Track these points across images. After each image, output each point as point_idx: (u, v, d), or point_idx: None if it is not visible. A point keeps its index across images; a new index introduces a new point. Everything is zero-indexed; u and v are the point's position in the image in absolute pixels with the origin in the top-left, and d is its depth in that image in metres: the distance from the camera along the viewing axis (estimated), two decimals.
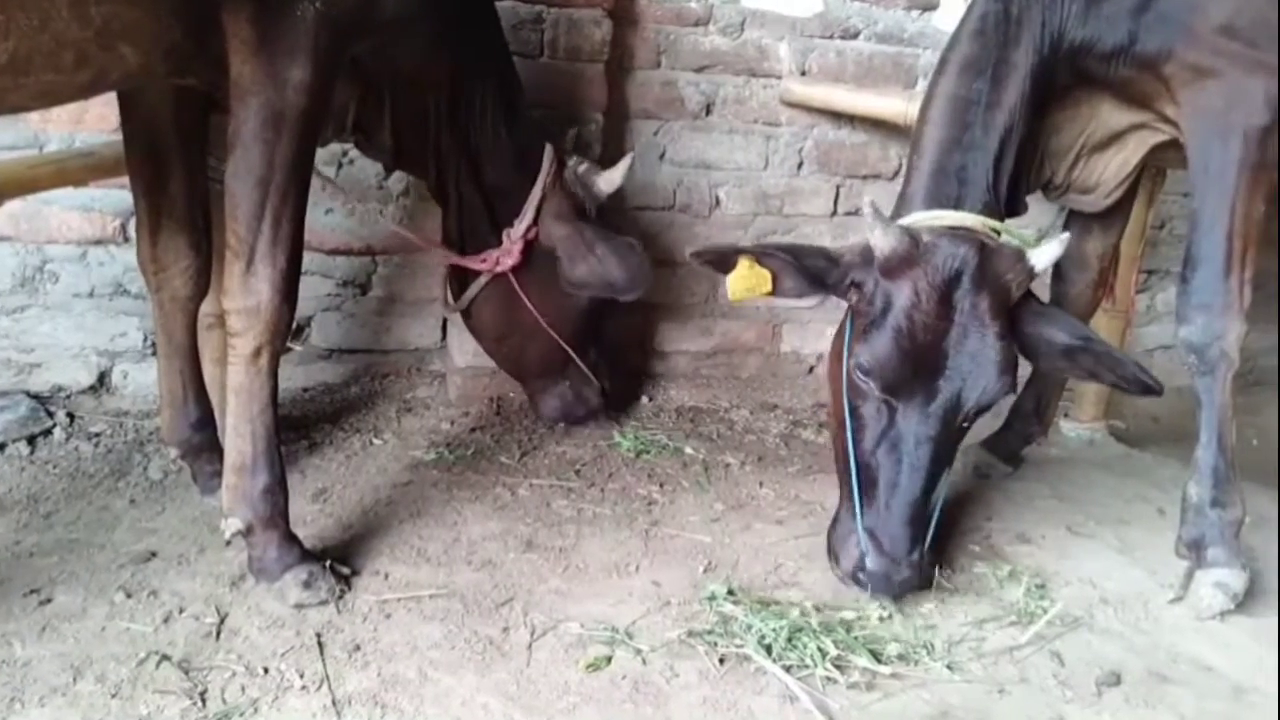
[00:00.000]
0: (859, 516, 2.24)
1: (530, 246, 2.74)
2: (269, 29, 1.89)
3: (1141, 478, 3.18)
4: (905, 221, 2.27)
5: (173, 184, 2.38)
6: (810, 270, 2.27)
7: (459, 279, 2.90)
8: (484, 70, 2.65)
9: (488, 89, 2.67)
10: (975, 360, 2.13)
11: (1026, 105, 2.35)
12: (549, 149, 2.76)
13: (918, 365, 2.13)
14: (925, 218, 2.26)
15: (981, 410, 2.21)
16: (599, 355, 3.05)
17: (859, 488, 2.25)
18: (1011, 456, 3.09)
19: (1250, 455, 3.85)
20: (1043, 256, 2.13)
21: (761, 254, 2.28)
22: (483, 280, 2.80)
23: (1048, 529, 2.73)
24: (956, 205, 2.28)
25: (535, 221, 2.73)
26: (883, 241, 2.15)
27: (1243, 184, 2.27)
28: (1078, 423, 3.55)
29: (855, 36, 3.60)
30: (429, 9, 2.23)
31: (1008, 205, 2.43)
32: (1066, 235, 2.18)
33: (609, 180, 2.85)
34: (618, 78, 3.38)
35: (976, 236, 2.18)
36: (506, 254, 2.72)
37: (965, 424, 2.24)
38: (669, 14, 3.41)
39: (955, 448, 2.31)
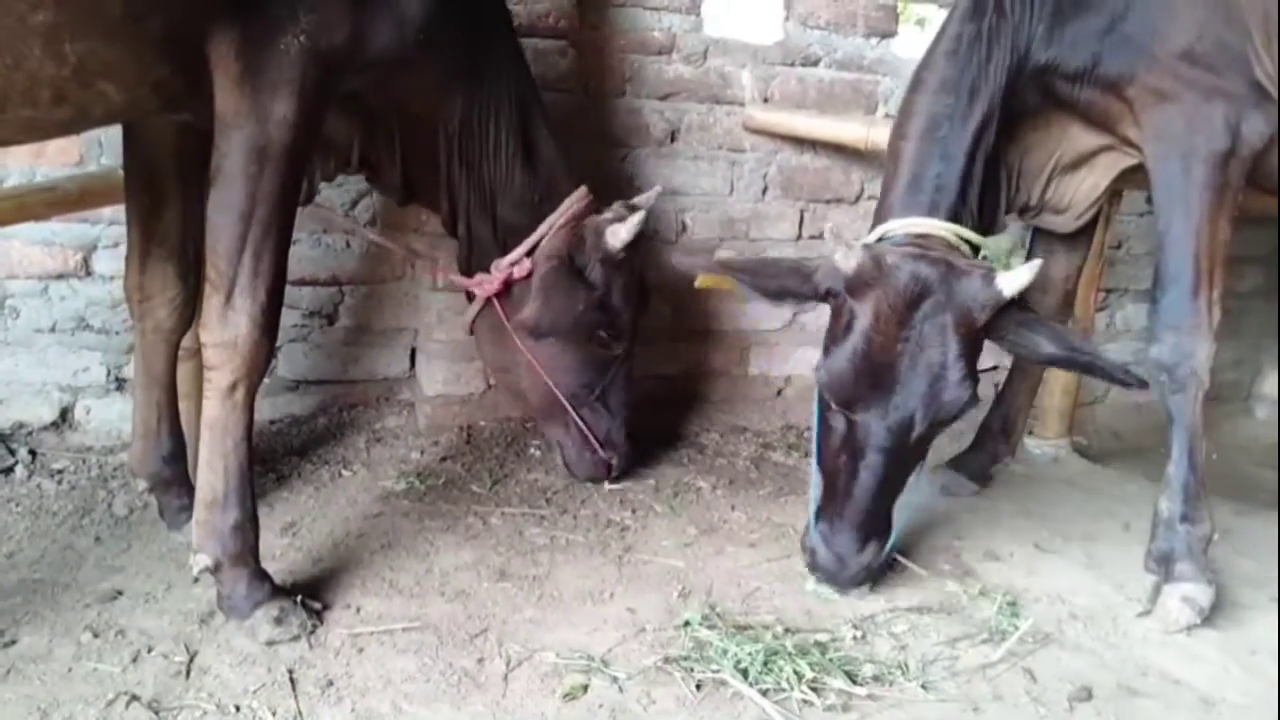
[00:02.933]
0: (813, 514, 2.40)
1: (520, 280, 2.71)
2: (253, 63, 1.90)
3: (1106, 493, 3.23)
4: (880, 229, 2.35)
5: (167, 213, 2.37)
6: (783, 288, 2.34)
7: (471, 297, 2.87)
8: (497, 105, 2.62)
9: (501, 124, 2.64)
10: (931, 380, 2.18)
11: (996, 121, 2.41)
12: (582, 189, 2.74)
13: (873, 383, 2.20)
14: (898, 225, 2.34)
15: (938, 425, 2.26)
16: (611, 425, 2.91)
17: (818, 487, 2.41)
18: (979, 476, 3.12)
19: (1211, 469, 3.94)
20: (1012, 282, 2.16)
21: (741, 271, 2.34)
22: (475, 306, 2.78)
23: (1016, 546, 2.75)
24: (929, 213, 2.34)
25: (531, 256, 2.70)
26: (846, 264, 2.21)
27: (1206, 206, 2.32)
28: (1042, 440, 3.60)
29: (816, 64, 3.65)
30: (427, 47, 2.21)
31: (986, 223, 2.50)
32: (1038, 262, 2.22)
33: (615, 234, 2.73)
34: (582, 106, 3.41)
35: (943, 255, 2.23)
36: (489, 281, 2.70)
37: (923, 438, 2.28)
38: (633, 43, 3.44)
39: (917, 456, 2.37)
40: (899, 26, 3.71)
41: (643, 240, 2.84)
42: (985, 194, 2.46)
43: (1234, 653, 2.30)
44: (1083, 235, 2.90)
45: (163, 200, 2.34)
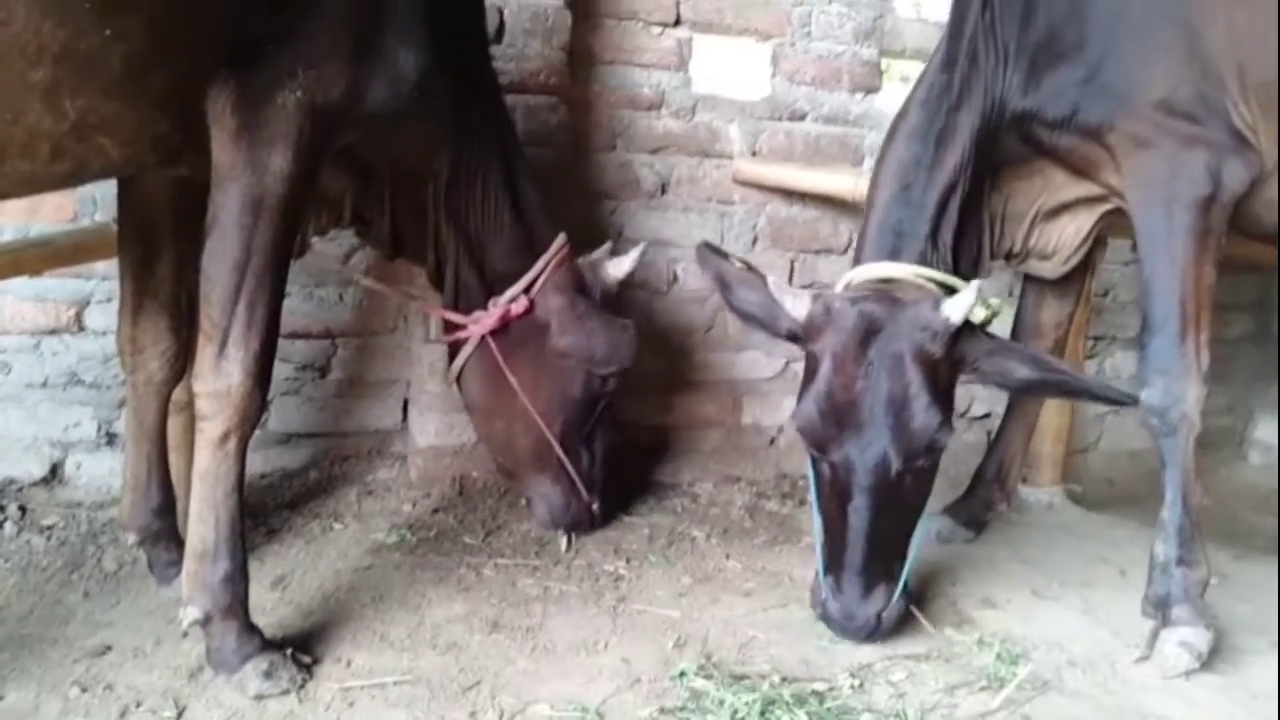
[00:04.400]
0: (820, 566, 2.40)
1: (516, 319, 2.73)
2: (250, 117, 1.93)
3: (1101, 539, 3.22)
4: (847, 275, 2.44)
5: (161, 267, 2.38)
6: (750, 316, 2.46)
7: (454, 350, 2.87)
8: (484, 161, 2.67)
9: (489, 179, 2.69)
10: (895, 413, 2.22)
11: (969, 167, 2.48)
12: (561, 236, 2.79)
13: (840, 423, 2.26)
14: (863, 270, 2.42)
15: (915, 458, 2.27)
16: (591, 467, 2.93)
17: (819, 535, 2.41)
18: (973, 522, 3.12)
19: (1206, 515, 3.94)
20: (956, 307, 2.22)
21: (721, 280, 2.51)
22: (468, 349, 2.78)
23: (1013, 593, 2.74)
24: (893, 257, 2.42)
25: (529, 297, 2.73)
26: (796, 312, 2.30)
27: (1190, 251, 2.35)
28: (1035, 487, 3.59)
29: (803, 118, 3.72)
30: (420, 103, 2.25)
31: (965, 267, 2.54)
32: (978, 283, 2.28)
33: (618, 266, 2.88)
34: (573, 160, 3.45)
35: (889, 293, 2.30)
36: (488, 317, 2.71)
37: (907, 473, 2.28)
38: (623, 99, 3.51)
39: (914, 496, 2.37)
40: (883, 82, 3.79)
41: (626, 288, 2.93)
42: (963, 239, 2.52)
43: (1235, 698, 2.28)
44: (1073, 281, 2.94)
45: (156, 254, 2.36)
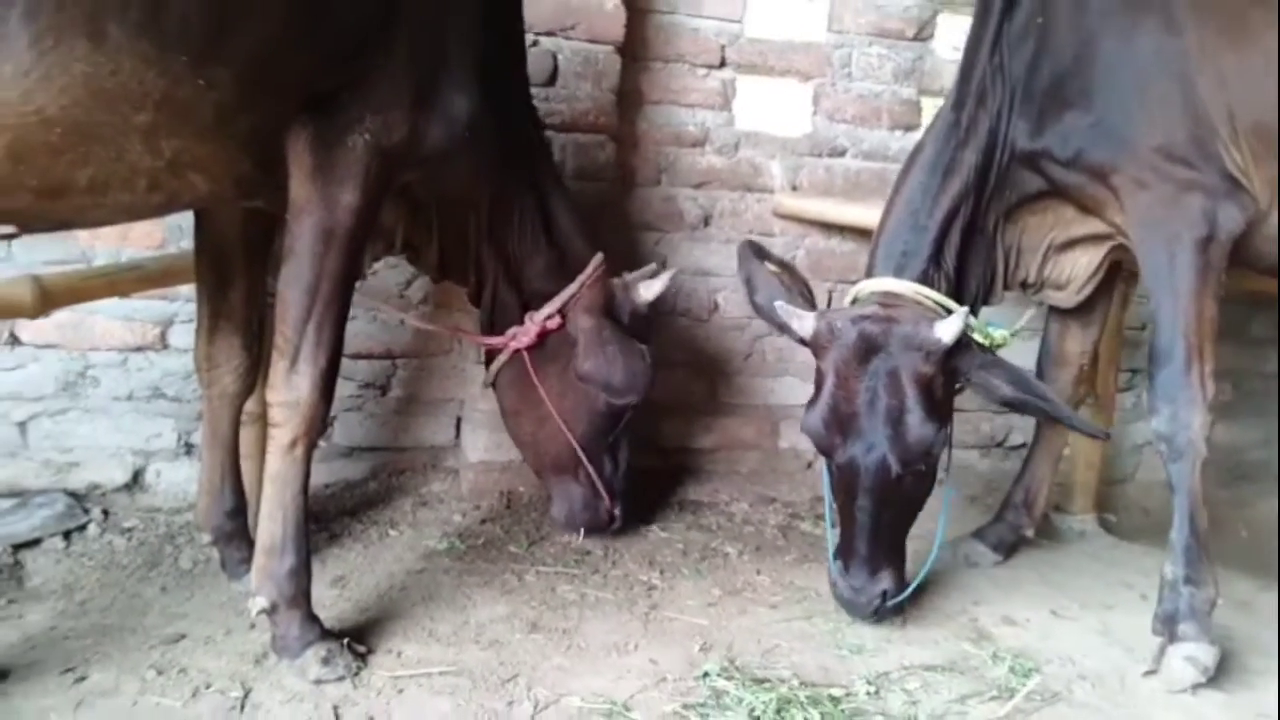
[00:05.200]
0: (831, 548, 2.71)
1: (550, 333, 2.90)
2: (324, 158, 2.15)
3: (1128, 566, 3.28)
4: (855, 289, 2.69)
5: (233, 292, 2.60)
6: (768, 317, 2.71)
7: (490, 357, 3.06)
8: (521, 193, 2.88)
9: (525, 208, 2.89)
10: (893, 424, 2.44)
11: (971, 197, 2.68)
12: (599, 256, 2.95)
13: (844, 432, 2.51)
14: (868, 285, 2.66)
15: (913, 464, 2.48)
16: (614, 474, 3.09)
17: (832, 524, 2.74)
18: (1000, 546, 3.21)
19: (1239, 545, 3.99)
20: (947, 328, 2.42)
21: (748, 273, 2.79)
22: (503, 357, 2.96)
23: (1032, 612, 2.84)
24: (897, 274, 2.63)
25: (562, 313, 2.90)
26: (801, 329, 2.54)
27: (1191, 287, 2.48)
28: (1068, 514, 3.68)
29: (843, 155, 3.87)
30: (468, 144, 2.45)
31: (972, 292, 2.75)
32: (965, 309, 2.48)
33: (649, 288, 3.02)
34: (620, 194, 3.65)
35: (887, 313, 2.50)
36: (524, 333, 2.88)
37: (906, 475, 2.49)
38: (668, 136, 3.70)
39: (917, 492, 2.61)
40: (921, 120, 3.93)
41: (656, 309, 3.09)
42: (968, 264, 2.72)
43: (1239, 715, 2.36)
44: (1096, 312, 3.06)
45: (229, 279, 2.58)
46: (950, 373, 2.51)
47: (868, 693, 2.34)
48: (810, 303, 2.81)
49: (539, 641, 2.49)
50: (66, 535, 2.98)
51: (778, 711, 2.17)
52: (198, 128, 1.93)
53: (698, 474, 3.81)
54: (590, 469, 3.00)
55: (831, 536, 2.75)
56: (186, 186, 2.02)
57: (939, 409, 2.48)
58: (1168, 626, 2.51)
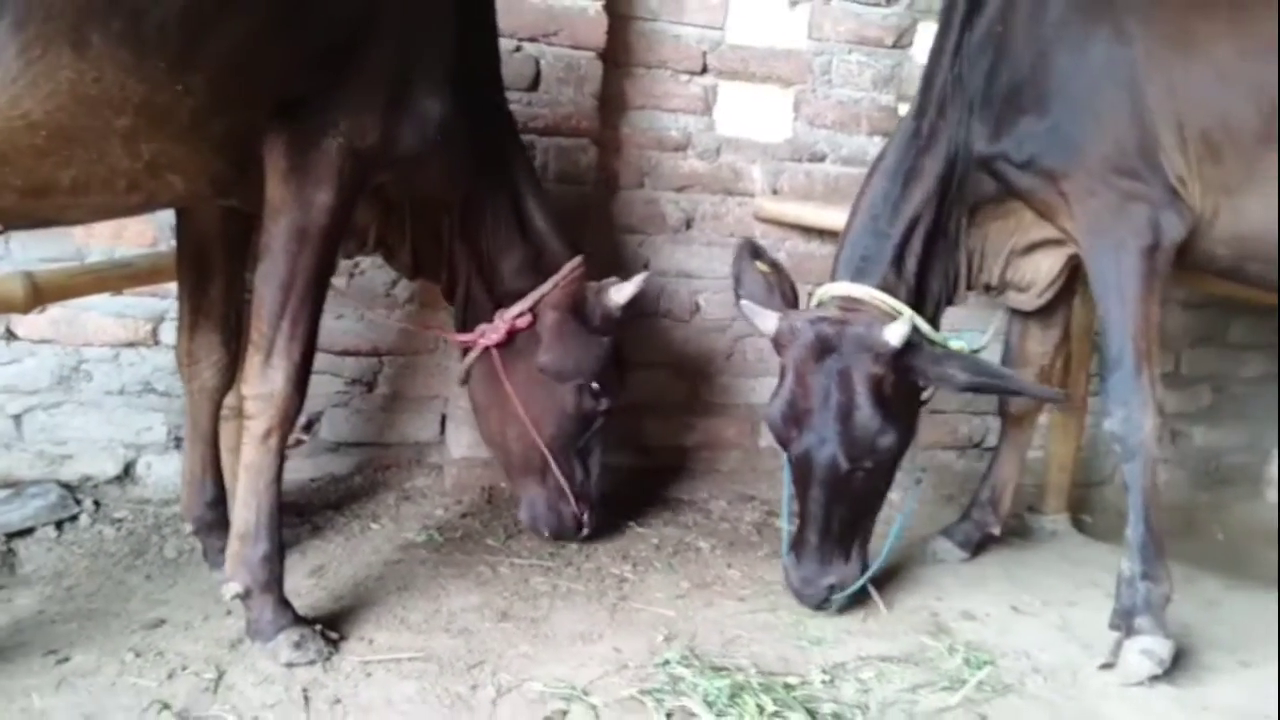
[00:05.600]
0: (785, 539, 2.82)
1: (520, 332, 2.93)
2: (299, 159, 2.23)
3: (1096, 565, 3.33)
4: (819, 292, 2.81)
5: (213, 289, 2.68)
6: (743, 309, 2.78)
7: (464, 354, 3.10)
8: (495, 193, 2.93)
9: (499, 208, 2.94)
10: (842, 419, 2.55)
11: (934, 204, 2.76)
12: (579, 258, 2.98)
13: (799, 426, 2.62)
14: (828, 287, 2.77)
15: (861, 457, 2.58)
16: (585, 481, 3.08)
17: (789, 516, 2.86)
18: (967, 543, 3.27)
19: (1216, 548, 4.04)
20: (894, 332, 2.53)
21: (737, 271, 2.93)
22: (474, 354, 3.00)
23: (993, 608, 2.90)
24: (857, 278, 2.73)
25: (533, 312, 2.93)
26: (765, 327, 2.67)
27: (1139, 293, 2.55)
28: (1041, 515, 3.74)
29: (822, 160, 3.95)
30: (441, 146, 2.52)
31: (934, 295, 2.83)
32: (910, 313, 2.61)
33: (620, 291, 3.00)
34: (603, 197, 3.73)
35: (842, 316, 2.61)
36: (494, 330, 2.92)
37: (857, 470, 2.60)
38: (651, 141, 3.78)
39: (868, 490, 2.71)
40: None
41: (634, 312, 3.13)
42: (930, 268, 2.79)
43: (1188, 709, 2.42)
44: (1057, 314, 3.13)
45: (209, 278, 2.66)
46: (904, 373, 2.59)
47: (822, 681, 2.40)
48: (793, 303, 2.90)
49: (508, 630, 2.57)
50: (59, 525, 3.06)
51: (731, 698, 2.24)
52: (174, 130, 2.01)
53: (678, 472, 3.88)
54: (556, 471, 3.00)
55: (789, 530, 2.85)
56: (164, 186, 2.11)
57: (889, 407, 2.56)
58: (1124, 621, 2.58)
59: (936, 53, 2.82)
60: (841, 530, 2.69)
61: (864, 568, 2.79)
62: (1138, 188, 2.52)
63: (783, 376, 2.67)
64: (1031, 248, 2.88)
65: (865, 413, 2.54)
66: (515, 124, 3.08)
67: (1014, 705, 2.38)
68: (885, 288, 2.68)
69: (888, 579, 3.03)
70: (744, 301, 2.72)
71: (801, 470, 2.66)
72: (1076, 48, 2.59)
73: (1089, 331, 3.57)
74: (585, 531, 3.10)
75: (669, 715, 2.20)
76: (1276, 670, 2.56)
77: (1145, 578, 2.57)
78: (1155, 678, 2.48)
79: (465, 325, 3.05)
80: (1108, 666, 2.54)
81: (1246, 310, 4.31)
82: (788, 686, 2.35)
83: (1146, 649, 2.49)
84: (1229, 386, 4.56)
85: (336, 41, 2.20)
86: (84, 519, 3.13)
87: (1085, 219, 2.61)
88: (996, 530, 3.29)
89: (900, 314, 2.61)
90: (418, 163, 2.53)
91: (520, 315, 2.92)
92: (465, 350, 3.08)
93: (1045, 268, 2.90)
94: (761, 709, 2.21)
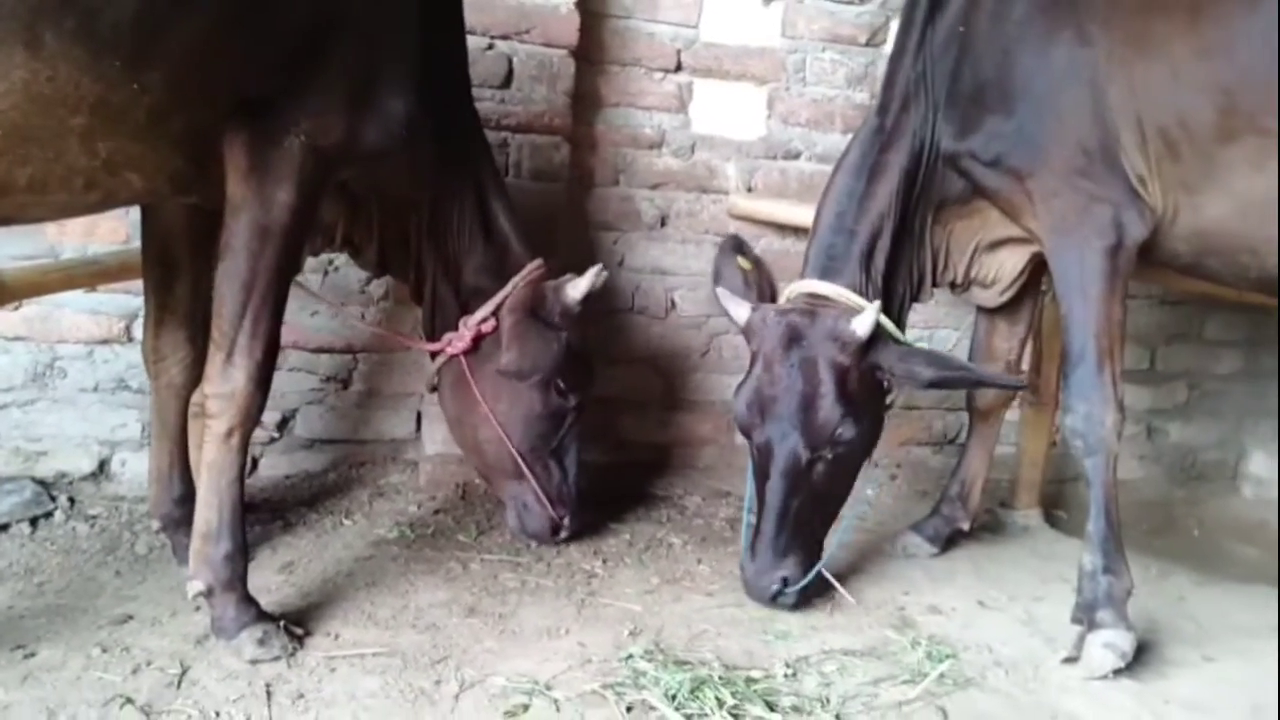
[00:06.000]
0: (745, 534, 2.84)
1: (485, 337, 2.94)
2: (260, 157, 2.23)
3: (1065, 560, 3.32)
4: (788, 290, 2.81)
5: (179, 286, 2.69)
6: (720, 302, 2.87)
7: (432, 358, 3.10)
8: (461, 193, 2.95)
9: (465, 208, 2.96)
10: (803, 408, 2.59)
11: (899, 200, 2.79)
12: (537, 260, 3.00)
13: (764, 414, 2.67)
14: (797, 285, 2.80)
15: (821, 447, 2.62)
16: (563, 482, 3.07)
17: (749, 510, 2.86)
18: (936, 539, 3.29)
19: (1191, 544, 4.07)
20: (861, 323, 2.58)
21: (718, 265, 3.01)
22: (441, 360, 3.01)
23: (960, 602, 2.92)
24: (824, 276, 2.76)
25: (496, 316, 2.94)
26: (737, 316, 2.73)
27: (1102, 292, 2.57)
28: (1012, 510, 3.76)
29: (797, 157, 3.97)
30: (407, 142, 2.52)
31: (900, 292, 2.87)
32: (878, 303, 2.64)
33: (576, 287, 2.99)
34: (579, 194, 3.74)
35: (811, 308, 2.66)
36: (459, 338, 2.94)
37: (817, 461, 2.64)
38: (625, 138, 3.80)
39: (829, 483, 2.72)
40: None
41: (592, 305, 3.10)
42: (898, 264, 2.82)
43: (1148, 703, 2.43)
44: (1022, 310, 3.16)
45: (174, 275, 2.67)
46: (870, 369, 2.63)
47: (785, 675, 2.41)
48: (771, 299, 2.92)
49: (474, 625, 2.58)
50: (33, 521, 3.08)
51: (692, 691, 2.25)
52: (132, 129, 2.01)
53: (653, 468, 3.90)
54: (530, 475, 3.00)
55: (749, 524, 2.86)
56: (123, 184, 2.12)
57: (852, 400, 2.60)
58: (1087, 615, 2.59)
59: (899, 49, 2.84)
60: (798, 525, 2.69)
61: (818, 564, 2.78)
62: (1099, 187, 2.54)
63: (751, 366, 2.72)
64: (995, 245, 2.90)
65: (828, 401, 2.58)
66: (481, 124, 3.09)
67: (974, 698, 2.40)
68: (853, 286, 2.72)
69: (856, 574, 3.05)
70: (719, 288, 2.78)
71: (763, 459, 2.68)
72: (1039, 48, 2.60)
73: (1060, 328, 3.58)
74: (564, 534, 3.09)
75: (630, 709, 2.22)
76: (1276, 668, 2.57)
77: (1106, 571, 2.58)
78: (1117, 671, 2.50)
79: (433, 327, 3.07)
80: (1070, 660, 2.55)
81: (1221, 307, 4.34)
82: (750, 680, 2.36)
83: (1109, 642, 2.51)
84: (1204, 383, 4.59)
85: (297, 39, 2.21)
86: (58, 515, 3.15)
87: (1049, 218, 2.63)
88: (966, 525, 3.31)
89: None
90: (382, 161, 2.54)
91: (484, 320, 2.93)
92: (434, 355, 3.09)
93: (1009, 265, 2.92)
94: (721, 702, 2.22)
